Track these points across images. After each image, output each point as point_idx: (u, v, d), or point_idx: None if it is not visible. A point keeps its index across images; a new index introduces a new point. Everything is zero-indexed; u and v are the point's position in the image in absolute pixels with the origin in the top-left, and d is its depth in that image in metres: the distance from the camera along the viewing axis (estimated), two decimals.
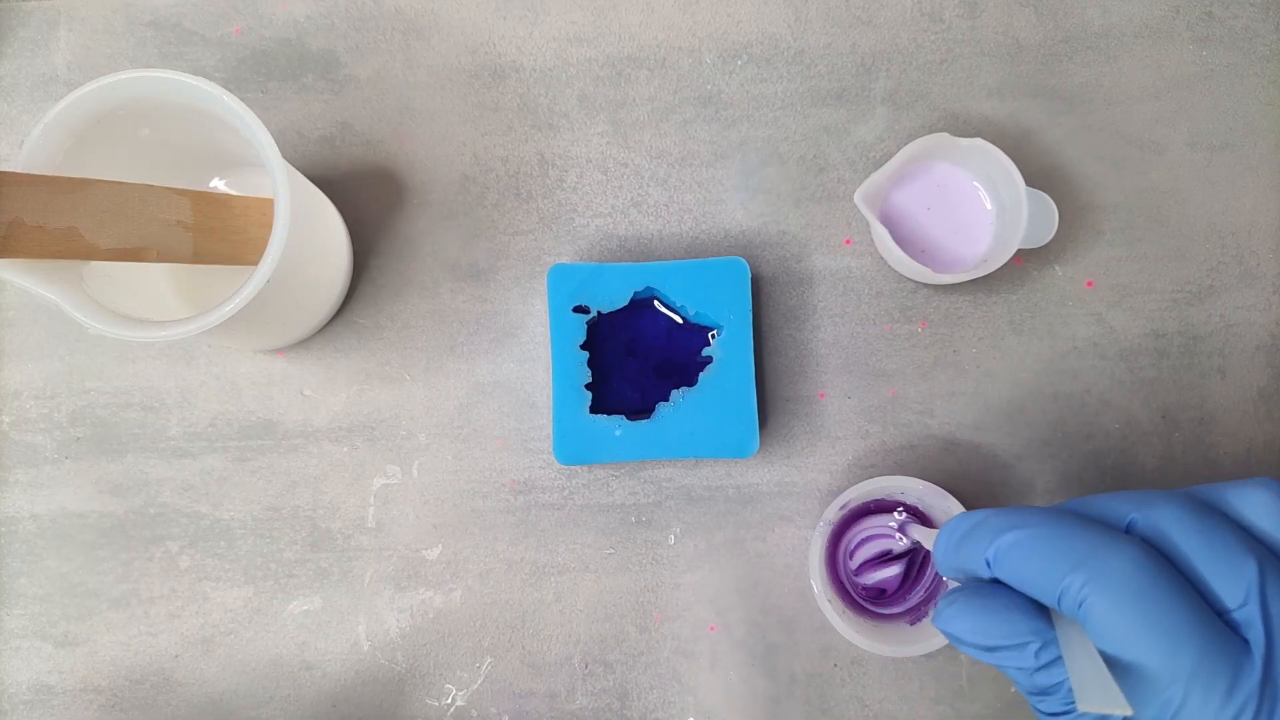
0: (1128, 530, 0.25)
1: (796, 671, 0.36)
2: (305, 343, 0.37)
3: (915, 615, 0.35)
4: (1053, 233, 0.35)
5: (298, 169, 0.34)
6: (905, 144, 0.35)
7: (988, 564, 0.25)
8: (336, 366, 0.37)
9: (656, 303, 0.36)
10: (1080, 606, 0.23)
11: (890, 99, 0.38)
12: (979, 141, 0.34)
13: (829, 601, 0.33)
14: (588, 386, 0.35)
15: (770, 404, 0.37)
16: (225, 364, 0.37)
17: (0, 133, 0.38)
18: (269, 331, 0.34)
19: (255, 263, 0.29)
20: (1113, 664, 0.23)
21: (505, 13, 0.38)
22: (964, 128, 0.38)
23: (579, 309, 0.35)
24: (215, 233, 0.31)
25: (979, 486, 0.36)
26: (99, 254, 0.28)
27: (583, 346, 0.35)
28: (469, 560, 0.36)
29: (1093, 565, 0.23)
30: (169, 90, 0.29)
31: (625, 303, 0.35)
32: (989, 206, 0.36)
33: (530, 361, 0.37)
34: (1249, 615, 0.23)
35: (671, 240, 0.38)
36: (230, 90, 0.30)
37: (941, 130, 0.37)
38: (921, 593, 0.35)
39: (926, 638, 0.33)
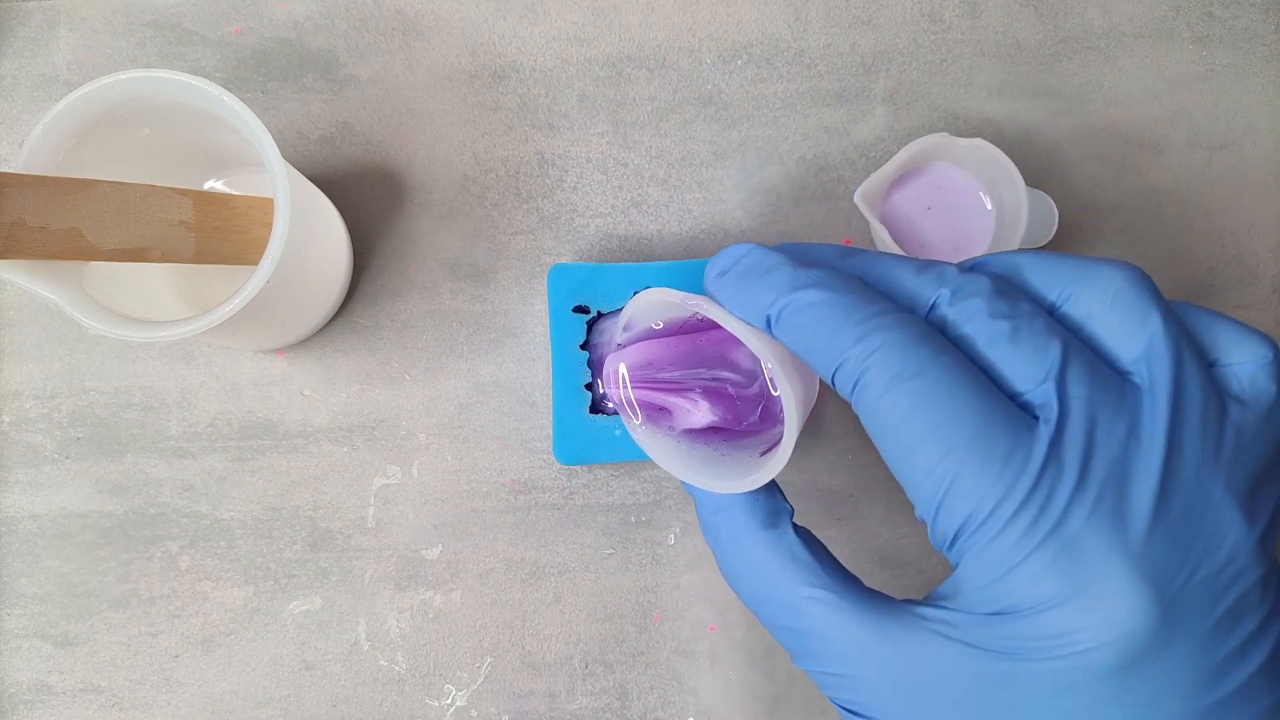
0: (930, 311, 0.23)
1: (796, 671, 0.36)
2: (305, 343, 0.37)
3: (768, 443, 0.29)
4: (1053, 233, 0.35)
5: (298, 169, 0.34)
6: (905, 144, 0.35)
7: (769, 319, 0.24)
8: (336, 366, 0.37)
9: None
10: (857, 384, 0.22)
11: (890, 99, 0.38)
12: (979, 141, 0.34)
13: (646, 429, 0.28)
14: (587, 386, 0.35)
15: None
16: (225, 364, 0.37)
17: (0, 133, 0.38)
18: (269, 331, 0.34)
19: (257, 262, 0.29)
20: (892, 450, 0.22)
21: (505, 13, 0.38)
22: (964, 128, 0.38)
23: (579, 309, 0.35)
24: (217, 233, 0.31)
25: None
26: (101, 254, 0.28)
27: (583, 346, 0.35)
28: (469, 560, 0.36)
29: (875, 340, 0.22)
30: (169, 90, 0.29)
31: (625, 303, 0.35)
32: (989, 206, 0.36)
33: (530, 361, 0.37)
34: (1045, 394, 0.21)
35: (671, 240, 0.38)
36: (230, 90, 0.30)
37: (941, 130, 0.37)
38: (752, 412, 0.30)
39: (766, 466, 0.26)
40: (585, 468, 0.37)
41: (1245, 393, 0.22)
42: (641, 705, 0.36)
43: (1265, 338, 0.23)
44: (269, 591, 0.36)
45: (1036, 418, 0.22)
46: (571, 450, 0.35)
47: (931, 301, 0.23)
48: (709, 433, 0.29)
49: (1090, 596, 0.20)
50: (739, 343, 0.29)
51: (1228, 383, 0.23)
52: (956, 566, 0.22)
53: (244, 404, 0.37)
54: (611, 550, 0.37)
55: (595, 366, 0.35)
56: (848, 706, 0.24)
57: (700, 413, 0.29)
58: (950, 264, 0.24)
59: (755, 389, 0.29)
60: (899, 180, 0.36)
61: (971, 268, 0.25)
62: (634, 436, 0.29)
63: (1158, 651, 0.20)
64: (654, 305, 0.28)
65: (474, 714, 0.36)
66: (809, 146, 0.38)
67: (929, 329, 0.23)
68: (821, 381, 0.33)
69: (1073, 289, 0.23)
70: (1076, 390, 0.21)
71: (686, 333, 0.30)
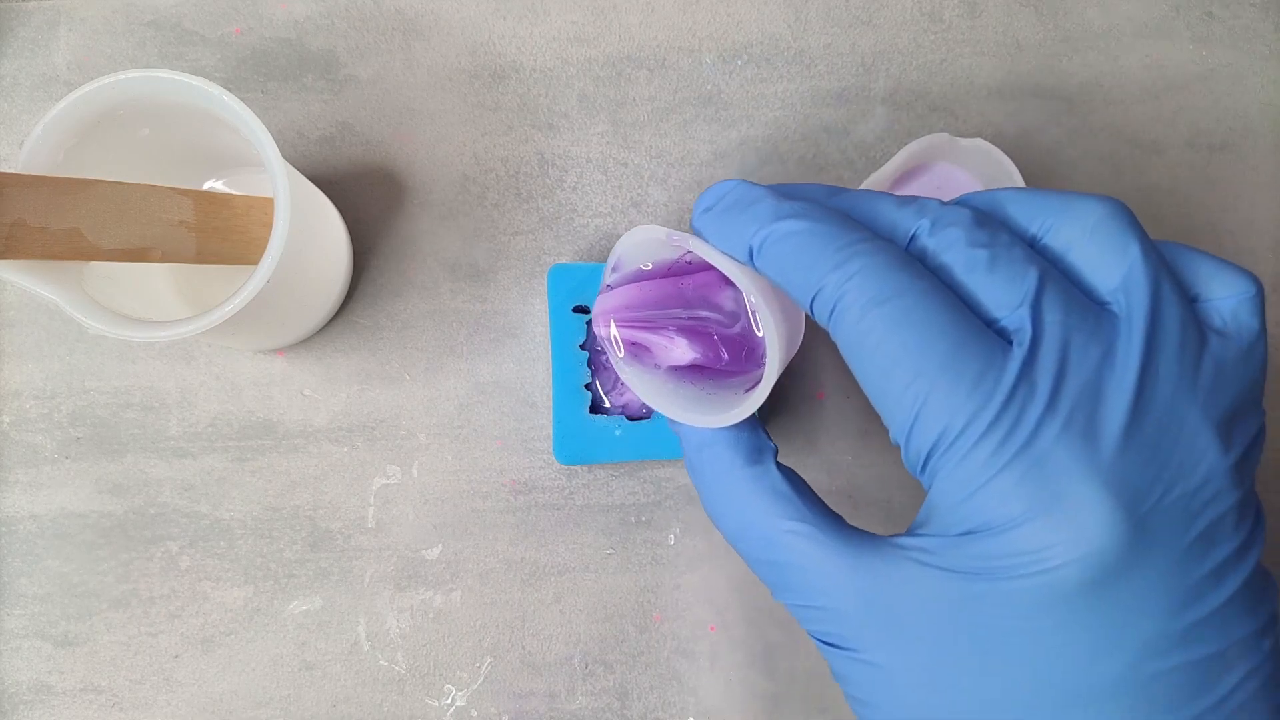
0: (910, 243, 0.24)
1: (796, 670, 0.36)
2: (305, 343, 0.37)
3: (752, 382, 0.28)
4: None
5: (298, 169, 0.34)
6: (905, 144, 0.35)
7: (751, 250, 0.24)
8: (336, 366, 0.37)
9: None
10: (834, 310, 0.23)
11: (890, 99, 0.38)
12: (979, 141, 0.34)
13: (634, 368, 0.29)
14: (587, 386, 0.35)
15: (770, 404, 0.37)
16: (225, 364, 0.37)
17: (0, 133, 0.38)
18: (269, 331, 0.34)
19: (258, 262, 0.29)
20: (867, 374, 0.22)
21: (505, 13, 0.38)
22: (964, 128, 0.38)
23: (579, 309, 0.35)
24: (218, 233, 0.31)
25: None
26: (101, 254, 0.28)
27: (582, 346, 0.35)
28: (469, 560, 0.36)
29: (853, 266, 0.22)
30: (169, 90, 0.29)
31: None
32: None
33: (530, 361, 0.37)
34: (1020, 318, 0.22)
35: None
36: (230, 90, 0.30)
37: (941, 130, 0.37)
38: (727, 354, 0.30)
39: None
40: (585, 468, 0.37)
41: (1227, 327, 0.22)
42: (641, 705, 0.36)
43: (1248, 274, 0.23)
44: (269, 591, 0.36)
45: (1011, 342, 0.22)
46: (571, 450, 0.35)
47: (912, 232, 0.24)
48: (695, 372, 0.29)
49: (1059, 512, 0.20)
50: (722, 285, 0.29)
51: (1209, 317, 0.23)
52: (929, 489, 0.22)
53: (244, 404, 0.37)
54: (611, 550, 0.37)
55: (595, 366, 0.35)
56: (826, 639, 0.24)
57: (679, 349, 0.29)
58: (933, 199, 0.24)
59: (737, 329, 0.29)
60: (899, 180, 0.36)
61: (961, 202, 0.25)
62: (619, 373, 0.29)
63: (1128, 569, 0.20)
64: (641, 244, 0.28)
65: (474, 714, 0.36)
66: (809, 146, 0.38)
67: (907, 256, 0.23)
68: (815, 386, 0.33)
69: (1053, 220, 0.23)
70: (1051, 315, 0.21)
71: (674, 275, 0.30)
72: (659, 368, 0.29)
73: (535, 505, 0.37)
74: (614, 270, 0.29)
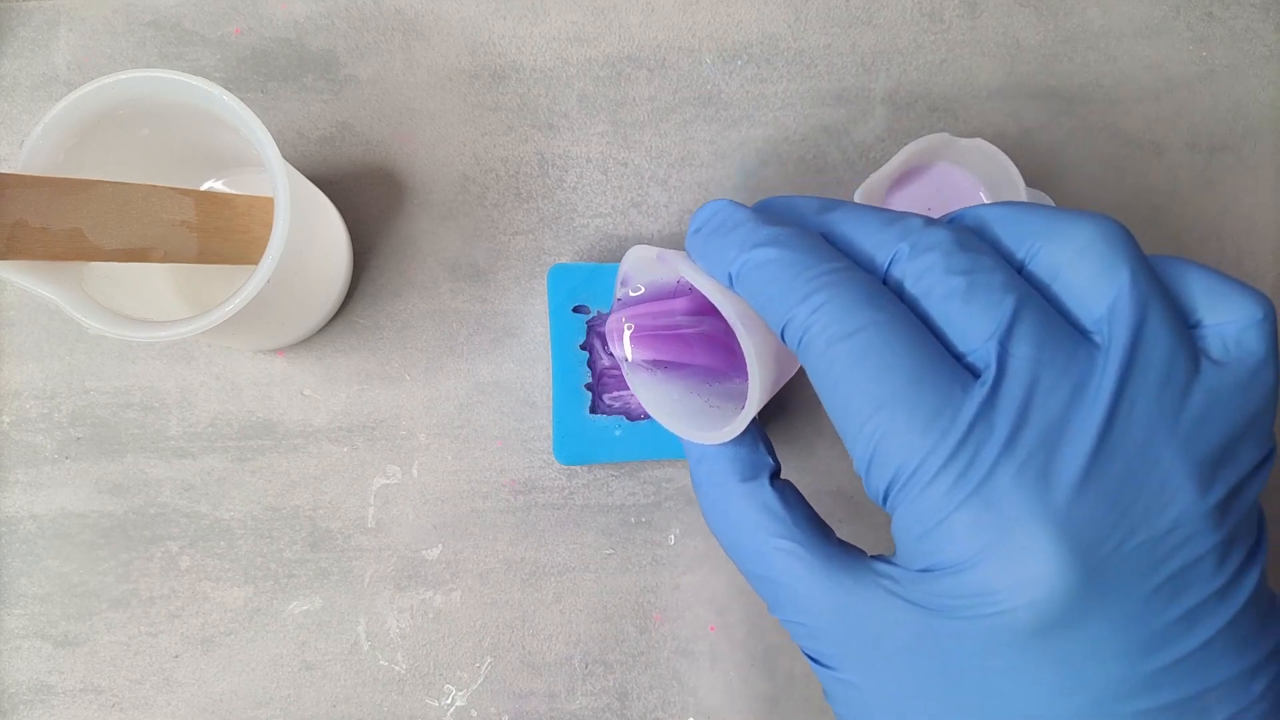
0: (889, 267, 0.23)
1: (796, 671, 0.36)
2: (305, 343, 0.37)
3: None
4: None
5: (298, 169, 0.34)
6: (905, 144, 0.35)
7: (730, 276, 0.24)
8: (336, 366, 0.37)
9: None
10: (801, 339, 0.22)
11: (890, 99, 0.38)
12: (979, 141, 0.34)
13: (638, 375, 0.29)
14: (587, 386, 0.35)
15: (770, 404, 0.37)
16: (225, 364, 0.37)
17: (0, 133, 0.38)
18: (269, 331, 0.34)
19: (258, 262, 0.29)
20: (831, 406, 0.22)
21: (505, 13, 0.38)
22: (964, 128, 0.38)
23: (579, 309, 0.35)
24: (219, 232, 0.31)
25: None
26: (103, 255, 0.28)
27: (582, 346, 0.35)
28: (469, 560, 0.36)
29: (819, 299, 0.22)
30: (169, 90, 0.29)
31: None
32: None
33: (530, 361, 0.37)
34: (986, 353, 0.21)
35: (671, 240, 0.38)
36: (230, 90, 0.30)
37: (941, 130, 0.37)
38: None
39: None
40: (585, 468, 0.37)
41: (1228, 353, 0.21)
42: (641, 705, 0.36)
43: (1257, 295, 0.22)
44: (269, 591, 0.36)
45: (976, 377, 0.21)
46: (571, 450, 0.35)
47: (891, 256, 0.23)
48: (705, 378, 0.30)
49: (1009, 556, 0.20)
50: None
51: (1208, 344, 0.21)
52: (892, 523, 0.22)
53: (244, 404, 0.37)
54: (611, 550, 0.37)
55: (595, 367, 0.35)
56: (813, 656, 0.24)
57: (668, 354, 0.30)
58: (920, 216, 0.24)
59: (703, 329, 0.30)
60: (899, 180, 0.36)
61: (950, 221, 0.24)
62: (629, 382, 0.30)
63: (1082, 614, 0.20)
64: (637, 262, 0.29)
65: (474, 714, 0.36)
66: (809, 147, 0.38)
67: (876, 287, 0.22)
68: None
69: (1041, 243, 0.22)
70: (1021, 349, 0.21)
71: (673, 296, 0.30)
72: (661, 370, 0.30)
73: (535, 505, 0.37)
74: (623, 285, 0.30)
